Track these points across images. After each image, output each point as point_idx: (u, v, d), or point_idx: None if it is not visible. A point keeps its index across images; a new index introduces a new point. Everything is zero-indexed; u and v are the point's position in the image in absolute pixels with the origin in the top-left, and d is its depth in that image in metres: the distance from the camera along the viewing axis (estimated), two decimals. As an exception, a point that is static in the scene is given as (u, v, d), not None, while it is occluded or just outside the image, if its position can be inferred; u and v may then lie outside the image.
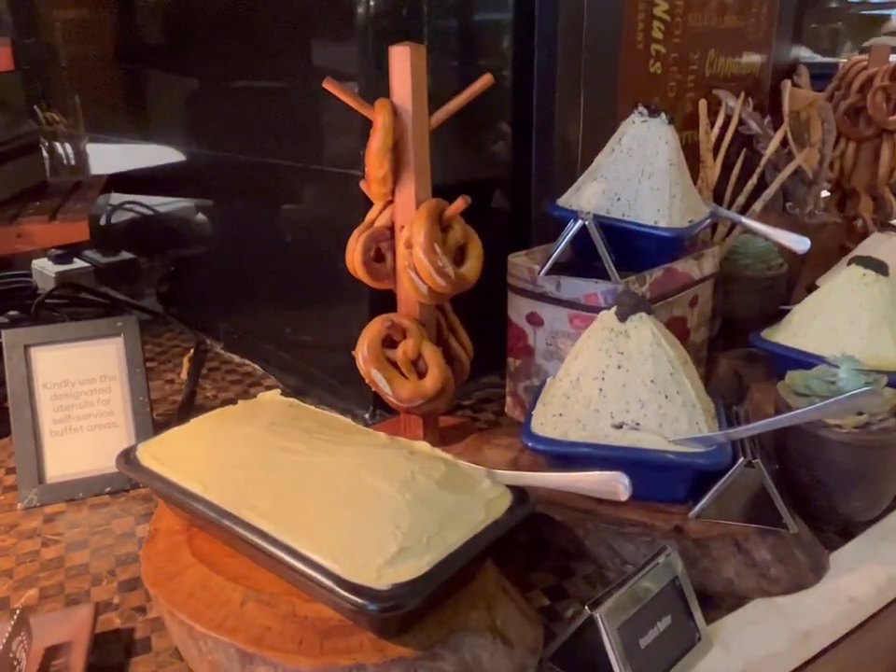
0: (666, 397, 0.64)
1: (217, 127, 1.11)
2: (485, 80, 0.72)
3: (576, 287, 0.81)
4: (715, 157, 1.13)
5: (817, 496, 0.70)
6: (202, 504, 0.57)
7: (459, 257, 0.75)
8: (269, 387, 1.03)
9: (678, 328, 0.89)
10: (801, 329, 0.85)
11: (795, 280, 1.22)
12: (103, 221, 1.50)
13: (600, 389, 0.65)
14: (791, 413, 0.61)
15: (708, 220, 0.90)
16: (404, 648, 0.51)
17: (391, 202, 0.75)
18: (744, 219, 0.90)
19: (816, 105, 1.28)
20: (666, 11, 1.07)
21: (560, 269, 0.84)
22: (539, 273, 0.81)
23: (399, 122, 0.70)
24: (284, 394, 0.73)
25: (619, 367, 0.64)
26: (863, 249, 1.03)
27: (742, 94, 1.18)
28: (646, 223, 0.84)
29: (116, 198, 1.46)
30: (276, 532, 0.52)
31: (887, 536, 0.70)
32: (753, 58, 1.29)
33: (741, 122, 1.19)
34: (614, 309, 0.66)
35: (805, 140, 1.25)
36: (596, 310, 0.80)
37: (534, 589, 0.64)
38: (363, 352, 0.73)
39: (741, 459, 0.62)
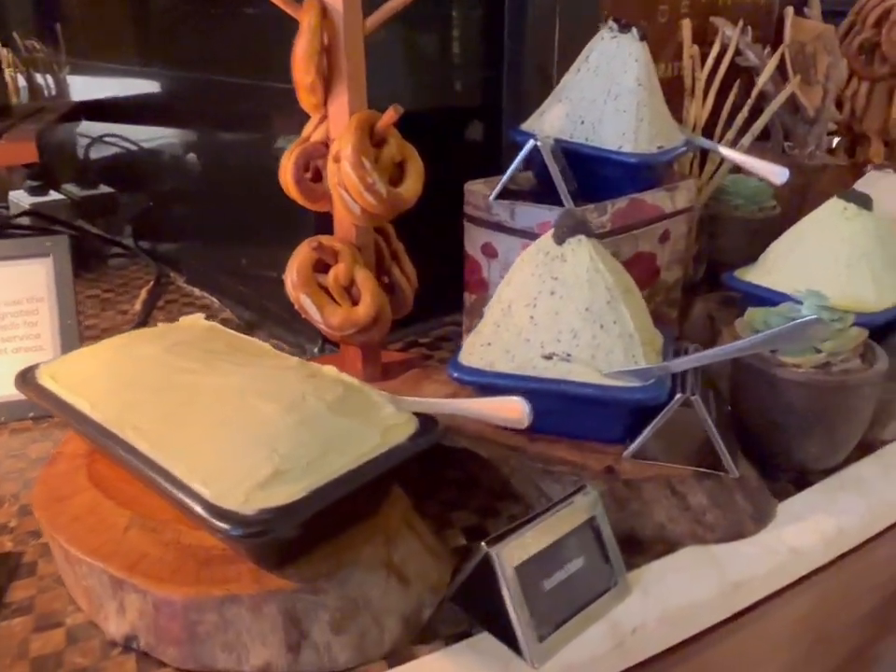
0: (601, 326, 0.58)
1: (180, 49, 1.06)
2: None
3: (530, 215, 0.76)
4: (708, 90, 1.06)
5: (771, 440, 0.65)
6: (86, 423, 0.53)
7: (398, 175, 0.69)
8: (224, 320, 0.99)
9: (645, 264, 0.84)
10: (776, 266, 0.79)
11: (790, 225, 1.15)
12: (81, 154, 1.46)
13: (531, 317, 0.60)
14: (731, 344, 0.56)
15: (683, 149, 0.83)
16: (284, 580, 0.47)
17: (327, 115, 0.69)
18: (720, 148, 0.83)
19: (823, 38, 1.20)
20: (656, -75, 0.99)
21: (521, 196, 0.79)
22: (491, 197, 0.76)
23: (330, 25, 0.65)
24: (235, 327, 0.69)
25: (552, 293, 0.59)
26: (859, 188, 0.95)
27: (741, 23, 1.10)
28: (609, 147, 0.78)
29: (93, 130, 1.42)
30: (153, 454, 0.49)
31: (846, 486, 0.65)
32: (758, -15, 1.20)
33: (738, 53, 1.11)
34: (551, 231, 0.61)
35: (811, 76, 1.17)
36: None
37: (453, 527, 0.60)
38: (292, 276, 0.69)
39: (678, 395, 0.57)
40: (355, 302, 0.70)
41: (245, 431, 0.48)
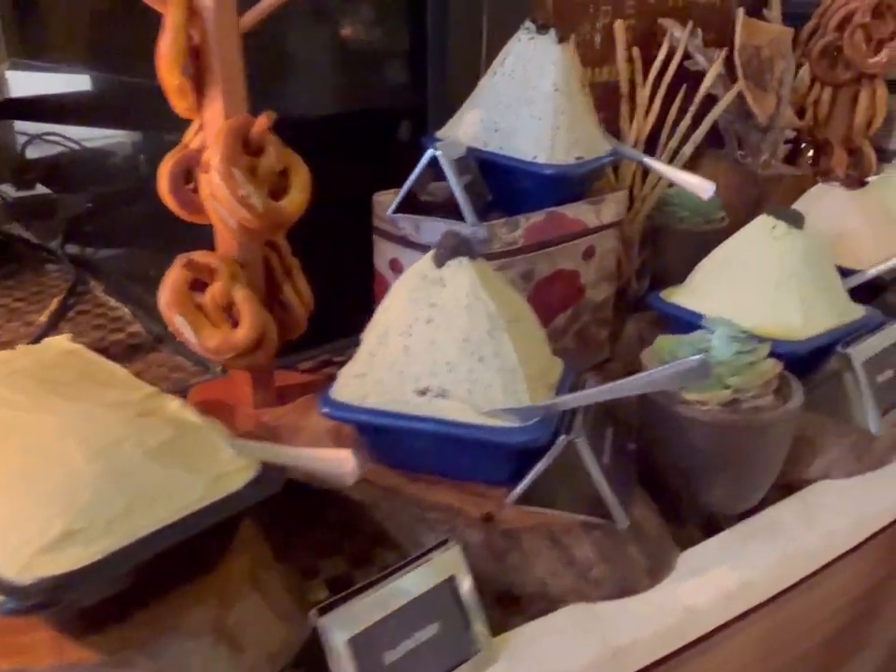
0: (480, 359, 0.53)
1: (110, 49, 1.01)
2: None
3: (434, 230, 0.70)
4: (654, 95, 1.00)
5: (676, 482, 0.59)
6: None
7: (283, 187, 0.64)
8: (131, 334, 0.93)
9: (566, 282, 0.78)
10: (702, 287, 0.74)
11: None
12: (17, 153, 1.41)
13: (406, 347, 0.54)
14: (612, 384, 0.50)
15: (609, 159, 0.78)
16: (86, 651, 0.42)
17: (207, 120, 0.64)
18: (645, 159, 0.78)
19: (779, 41, 1.14)
20: (593, -80, 0.93)
21: (434, 208, 0.73)
22: (389, 211, 0.70)
23: (200, 22, 0.59)
24: (143, 341, 0.63)
25: (429, 321, 0.54)
26: (804, 202, 0.90)
27: (690, 24, 1.04)
28: (523, 157, 0.72)
29: (32, 128, 1.36)
30: (-52, 503, 0.43)
31: (759, 531, 0.60)
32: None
33: (689, 57, 1.05)
34: (431, 252, 0.55)
35: (766, 81, 1.11)
36: (457, 257, 0.69)
37: (317, 578, 0.54)
38: (164, 295, 0.63)
39: (561, 437, 0.51)
40: (235, 324, 0.65)
41: (43, 482, 0.42)
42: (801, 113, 1.30)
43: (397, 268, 0.75)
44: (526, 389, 0.53)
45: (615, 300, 0.87)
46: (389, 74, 0.91)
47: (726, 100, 0.93)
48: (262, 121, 0.59)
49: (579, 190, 0.77)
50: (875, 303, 0.82)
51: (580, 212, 0.77)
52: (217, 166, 0.58)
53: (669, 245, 1.04)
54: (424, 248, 0.72)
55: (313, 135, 0.84)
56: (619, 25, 0.86)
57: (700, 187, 0.73)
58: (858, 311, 0.72)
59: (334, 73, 0.87)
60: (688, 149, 0.92)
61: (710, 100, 1.07)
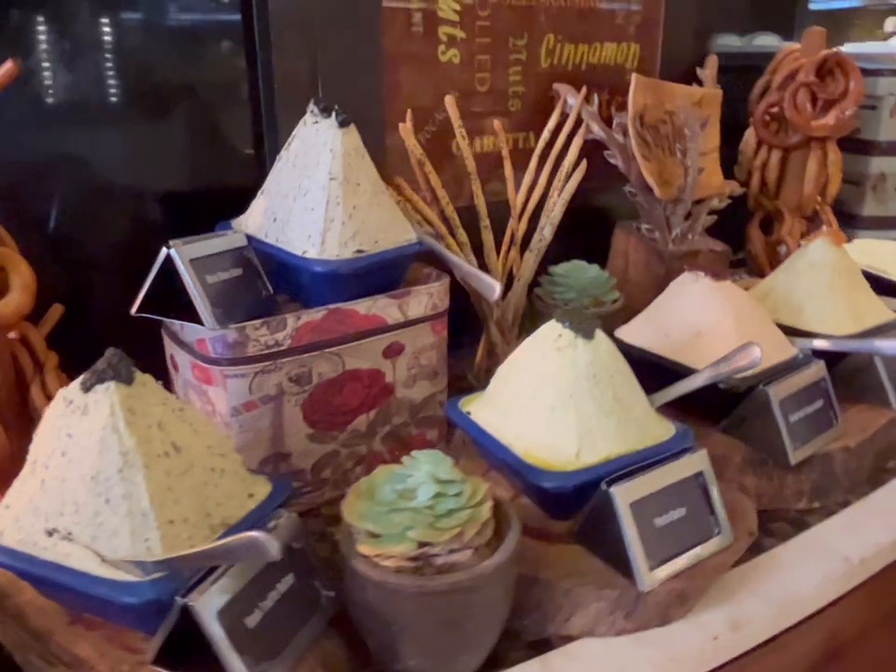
0: (107, 500, 0.47)
1: None
2: (7, 69, 0.56)
3: (192, 330, 0.65)
4: (541, 167, 0.92)
5: (372, 645, 0.51)
6: None
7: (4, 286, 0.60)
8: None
9: (366, 382, 0.71)
10: (493, 398, 0.65)
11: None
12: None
13: (43, 481, 0.49)
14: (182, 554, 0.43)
15: (413, 250, 0.71)
16: None
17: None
18: (444, 252, 0.71)
19: (702, 105, 1.04)
20: (458, -15, 0.87)
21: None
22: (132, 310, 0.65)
23: None
24: None
25: (63, 453, 0.48)
26: (666, 295, 0.80)
27: (583, 90, 0.96)
28: (294, 251, 0.67)
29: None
30: None
31: (470, 708, 0.51)
32: (627, 46, 1.06)
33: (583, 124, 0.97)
34: (83, 376, 0.50)
35: (678, 149, 1.01)
36: (210, 360, 0.64)
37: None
38: None
39: (177, 600, 0.45)
40: (-44, 429, 0.62)
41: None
42: (749, 177, 1.20)
43: (175, 366, 0.71)
44: (160, 537, 0.47)
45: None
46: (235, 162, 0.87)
47: (580, 171, 0.84)
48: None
49: (377, 284, 0.71)
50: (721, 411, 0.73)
51: (377, 307, 0.70)
52: None
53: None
54: (186, 348, 0.67)
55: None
56: (449, 100, 0.79)
57: (489, 286, 0.66)
58: (663, 432, 0.62)
59: (189, 158, 0.84)
60: (547, 232, 0.84)
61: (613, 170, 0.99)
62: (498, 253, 0.87)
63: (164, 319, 0.66)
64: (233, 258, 0.67)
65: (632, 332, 0.81)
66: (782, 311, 0.86)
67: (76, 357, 0.56)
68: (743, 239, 1.24)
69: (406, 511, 0.49)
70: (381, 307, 0.70)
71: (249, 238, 0.69)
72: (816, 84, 1.09)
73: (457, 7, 0.88)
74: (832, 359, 0.83)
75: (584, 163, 0.85)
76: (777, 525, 0.69)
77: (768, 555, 0.65)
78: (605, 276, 0.97)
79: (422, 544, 0.48)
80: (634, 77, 0.95)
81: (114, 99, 0.79)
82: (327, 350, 0.68)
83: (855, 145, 1.26)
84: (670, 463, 0.59)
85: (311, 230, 0.66)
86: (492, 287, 0.66)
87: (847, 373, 0.83)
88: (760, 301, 0.89)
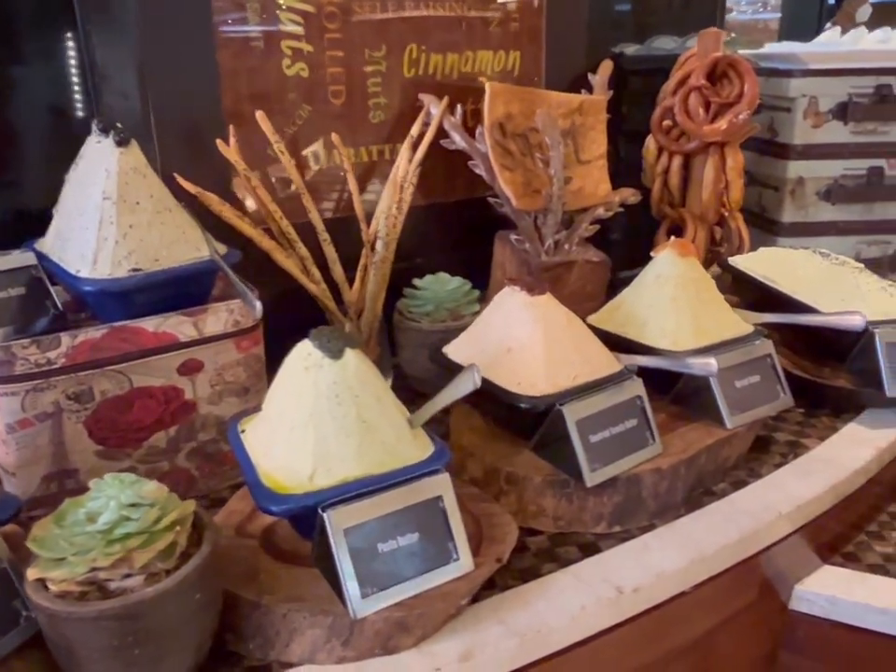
0: None
1: None
2: None
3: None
4: (404, 178, 0.91)
5: (62, 667, 0.51)
6: None
7: None
8: None
9: (160, 399, 0.71)
10: (262, 417, 0.64)
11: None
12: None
13: None
14: None
15: (200, 268, 0.70)
16: None
17: None
18: (226, 268, 0.70)
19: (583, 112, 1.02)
20: (304, -5, 0.87)
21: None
22: None
23: None
24: None
25: None
26: (489, 309, 0.78)
27: (446, 100, 0.94)
28: (69, 269, 0.67)
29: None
30: None
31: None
32: (505, 54, 1.04)
33: (446, 135, 0.96)
34: None
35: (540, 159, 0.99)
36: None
37: None
38: None
39: None
40: None
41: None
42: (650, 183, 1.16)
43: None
44: None
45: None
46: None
47: (391, 182, 0.82)
48: None
49: (172, 301, 0.70)
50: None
51: (168, 325, 0.70)
52: None
53: (407, 343, 0.94)
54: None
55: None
56: (261, 116, 0.79)
57: (251, 303, 0.65)
58: (415, 454, 0.60)
59: None
60: (379, 246, 0.83)
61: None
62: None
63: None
64: (19, 276, 0.68)
65: (457, 348, 0.80)
66: (630, 324, 0.83)
67: None
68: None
69: (84, 535, 0.49)
70: (172, 325, 0.70)
71: (41, 256, 0.70)
72: (707, 88, 1.05)
73: (299, 18, 0.88)
74: (673, 377, 0.80)
75: (417, 176, 0.83)
76: (563, 549, 0.67)
77: (537, 583, 0.62)
78: (466, 289, 0.95)
79: (94, 569, 0.48)
80: (488, 85, 0.93)
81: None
82: (109, 368, 0.68)
83: (772, 148, 1.22)
84: (405, 486, 0.57)
85: (84, 249, 0.66)
86: (253, 303, 0.65)
87: (689, 391, 0.80)
88: (612, 313, 0.87)
